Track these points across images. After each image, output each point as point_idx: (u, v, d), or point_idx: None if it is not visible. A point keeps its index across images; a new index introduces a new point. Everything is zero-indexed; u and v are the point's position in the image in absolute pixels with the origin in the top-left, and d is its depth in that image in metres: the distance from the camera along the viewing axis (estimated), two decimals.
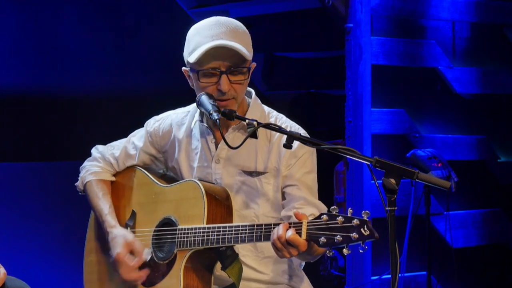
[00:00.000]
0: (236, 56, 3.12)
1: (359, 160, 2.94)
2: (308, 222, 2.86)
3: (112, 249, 3.26)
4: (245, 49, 3.13)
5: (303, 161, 3.22)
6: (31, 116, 5.50)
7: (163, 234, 3.24)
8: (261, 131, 3.23)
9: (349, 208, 2.84)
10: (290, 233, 2.87)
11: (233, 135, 3.24)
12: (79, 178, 3.49)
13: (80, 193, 3.51)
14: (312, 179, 3.24)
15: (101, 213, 3.36)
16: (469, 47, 6.09)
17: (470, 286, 5.94)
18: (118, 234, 3.28)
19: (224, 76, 3.13)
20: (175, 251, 3.18)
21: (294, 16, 6.10)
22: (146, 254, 3.24)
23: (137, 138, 3.45)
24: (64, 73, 5.62)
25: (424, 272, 5.52)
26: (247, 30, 3.22)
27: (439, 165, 5.36)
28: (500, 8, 6.12)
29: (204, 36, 3.14)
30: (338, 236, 2.80)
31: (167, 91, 5.68)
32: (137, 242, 3.24)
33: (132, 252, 3.22)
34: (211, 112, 3.11)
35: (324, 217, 2.84)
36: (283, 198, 3.24)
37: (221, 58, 3.12)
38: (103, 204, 3.37)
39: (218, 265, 3.16)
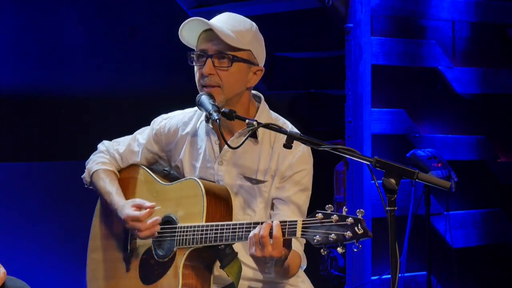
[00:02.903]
0: (224, 42, 3.15)
1: (359, 160, 2.94)
2: (303, 221, 2.87)
3: (122, 218, 3.26)
4: (235, 36, 3.15)
5: (299, 177, 3.22)
6: (31, 116, 5.50)
7: (163, 232, 3.24)
8: (266, 138, 3.25)
9: (344, 207, 2.84)
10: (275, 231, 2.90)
11: (238, 140, 3.24)
12: (85, 170, 3.50)
13: (86, 186, 3.52)
14: (304, 198, 3.24)
15: (108, 195, 3.37)
16: (469, 47, 6.09)
17: (470, 286, 5.94)
18: (123, 204, 3.29)
19: (208, 59, 3.17)
20: (174, 249, 3.18)
21: (294, 16, 6.10)
22: (152, 204, 3.24)
23: (142, 135, 3.46)
24: (64, 73, 5.62)
25: (424, 272, 5.52)
26: (253, 29, 3.24)
27: (439, 165, 5.36)
28: (500, 8, 6.12)
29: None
30: (333, 234, 2.80)
31: (167, 91, 5.69)
32: (139, 199, 3.27)
33: (139, 207, 3.24)
34: (211, 112, 3.12)
35: (319, 215, 2.84)
36: (271, 208, 3.25)
37: (209, 42, 3.17)
38: (110, 187, 3.39)
39: (218, 264, 3.17)
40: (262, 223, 2.96)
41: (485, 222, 6.04)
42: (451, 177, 5.36)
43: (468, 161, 5.99)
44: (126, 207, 3.26)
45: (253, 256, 2.96)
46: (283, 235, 2.91)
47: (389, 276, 3.77)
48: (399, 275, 3.06)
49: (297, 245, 3.17)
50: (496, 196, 6.13)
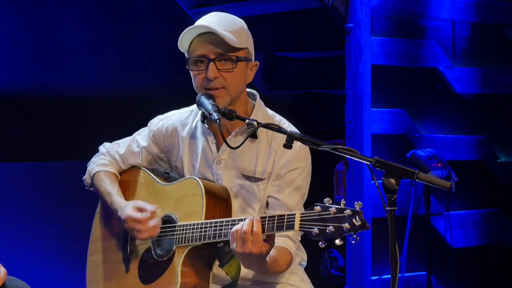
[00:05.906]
0: (225, 44, 3.14)
1: (359, 160, 2.94)
2: (301, 214, 2.88)
3: (122, 218, 3.26)
4: (234, 37, 3.14)
5: (294, 176, 3.22)
6: (31, 116, 5.50)
7: (163, 231, 3.24)
8: (263, 136, 3.25)
9: (342, 200, 2.84)
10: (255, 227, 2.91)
11: (236, 139, 3.24)
12: (86, 171, 3.50)
13: (87, 188, 3.52)
14: (297, 198, 3.24)
15: (109, 195, 3.37)
16: (469, 47, 6.09)
17: (470, 286, 5.94)
18: (124, 205, 3.28)
19: (211, 63, 3.15)
20: (174, 248, 3.19)
21: (294, 16, 6.10)
22: (154, 206, 3.23)
23: (141, 136, 3.47)
24: (64, 73, 5.62)
25: (424, 272, 5.52)
26: (245, 27, 3.23)
27: (439, 165, 5.36)
28: (500, 8, 6.12)
29: (196, 23, 3.18)
30: (330, 226, 2.80)
31: (167, 91, 5.68)
32: (141, 201, 3.26)
33: (140, 210, 3.23)
34: (211, 112, 3.12)
35: (317, 208, 2.85)
36: (266, 204, 3.26)
37: (209, 46, 3.15)
38: (111, 188, 3.39)
39: (217, 263, 3.17)
40: (260, 217, 2.96)
41: (485, 222, 6.04)
42: (451, 177, 5.36)
43: (468, 161, 5.99)
44: (127, 208, 3.26)
45: (234, 251, 2.97)
46: (271, 230, 2.92)
47: (389, 276, 3.77)
48: (399, 275, 3.06)
49: (290, 244, 3.18)
50: (496, 196, 6.13)
